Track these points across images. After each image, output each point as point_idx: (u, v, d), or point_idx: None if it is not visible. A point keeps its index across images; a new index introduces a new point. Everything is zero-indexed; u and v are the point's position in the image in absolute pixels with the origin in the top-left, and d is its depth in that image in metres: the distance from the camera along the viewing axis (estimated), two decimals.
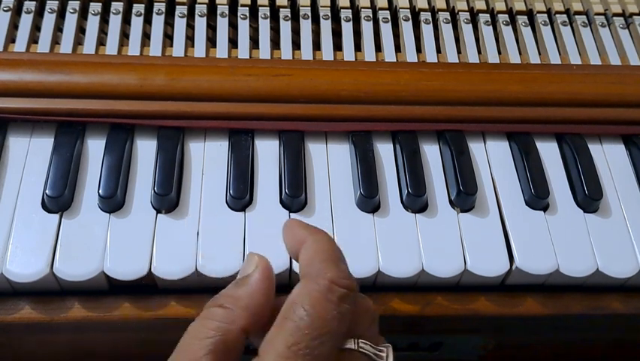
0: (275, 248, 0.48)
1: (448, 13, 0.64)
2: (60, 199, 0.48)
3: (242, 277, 0.40)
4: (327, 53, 0.60)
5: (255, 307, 0.38)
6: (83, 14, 0.61)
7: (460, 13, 0.65)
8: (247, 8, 0.62)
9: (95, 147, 0.52)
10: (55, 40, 0.59)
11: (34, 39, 0.59)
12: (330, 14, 0.63)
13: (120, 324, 0.48)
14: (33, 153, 0.52)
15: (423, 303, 0.50)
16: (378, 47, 0.62)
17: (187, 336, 0.37)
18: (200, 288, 0.48)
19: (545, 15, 0.65)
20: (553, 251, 0.50)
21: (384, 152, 0.55)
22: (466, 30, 0.63)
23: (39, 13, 0.60)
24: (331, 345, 0.35)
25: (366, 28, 0.62)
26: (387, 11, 0.64)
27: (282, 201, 0.51)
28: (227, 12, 0.62)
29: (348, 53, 0.60)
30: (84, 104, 0.52)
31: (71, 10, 0.60)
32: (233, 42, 0.61)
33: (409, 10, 0.64)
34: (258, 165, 0.53)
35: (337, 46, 0.61)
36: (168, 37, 0.61)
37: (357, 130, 0.54)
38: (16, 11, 0.60)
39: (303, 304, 0.36)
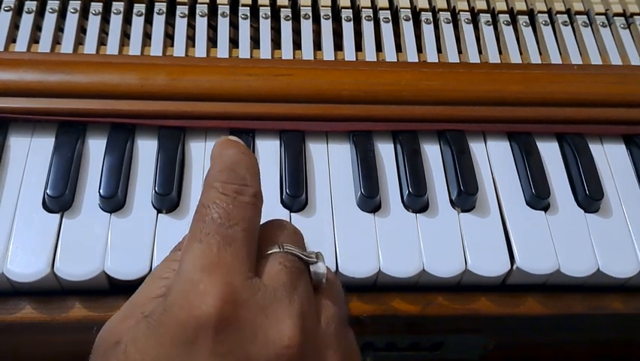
0: None
1: (448, 13, 0.64)
2: (61, 199, 0.48)
3: None
4: (327, 52, 0.60)
5: None
6: (84, 14, 0.61)
7: (460, 12, 0.65)
8: (248, 8, 0.62)
9: (95, 147, 0.52)
10: (56, 40, 0.59)
11: (35, 39, 0.59)
12: (330, 14, 0.63)
13: None
14: (34, 153, 0.52)
15: (424, 303, 0.50)
16: (379, 47, 0.62)
17: (150, 276, 0.39)
18: None
19: (546, 15, 0.65)
20: (553, 251, 0.50)
21: (385, 152, 0.55)
22: (467, 30, 0.63)
23: (40, 13, 0.60)
24: (242, 228, 0.36)
25: (367, 28, 0.62)
26: (388, 11, 0.64)
27: (282, 201, 0.51)
28: (228, 12, 0.62)
29: (349, 52, 0.60)
30: (85, 104, 0.52)
31: (72, 10, 0.60)
32: (234, 42, 0.61)
33: (409, 10, 0.64)
34: (259, 165, 0.53)
35: (338, 46, 0.61)
36: (169, 37, 0.61)
37: (358, 130, 0.54)
38: (17, 11, 0.60)
39: (204, 204, 0.38)
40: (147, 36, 0.60)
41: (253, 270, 0.36)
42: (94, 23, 0.60)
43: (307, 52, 0.60)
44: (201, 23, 0.61)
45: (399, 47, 0.62)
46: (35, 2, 0.60)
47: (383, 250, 0.49)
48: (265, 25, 0.61)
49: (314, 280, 0.39)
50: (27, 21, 0.59)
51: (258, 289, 0.35)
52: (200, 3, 0.62)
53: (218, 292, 0.33)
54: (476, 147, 0.55)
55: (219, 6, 0.62)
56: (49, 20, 0.60)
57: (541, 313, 0.51)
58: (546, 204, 0.53)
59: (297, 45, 0.61)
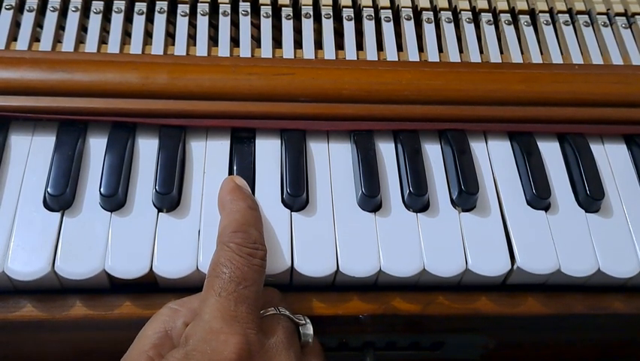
0: (275, 248, 0.48)
1: (450, 13, 0.64)
2: (61, 198, 0.48)
3: None
4: (329, 52, 0.60)
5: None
6: (85, 12, 0.61)
7: (462, 12, 0.65)
8: (248, 4, 0.62)
9: (96, 146, 0.52)
10: (57, 39, 0.59)
11: (36, 37, 0.59)
12: (332, 13, 0.63)
13: (121, 323, 0.48)
14: (35, 152, 0.52)
15: (424, 302, 0.50)
16: (380, 46, 0.61)
17: (139, 336, 0.43)
18: (201, 287, 0.48)
19: (547, 14, 0.65)
20: (554, 251, 0.50)
21: (386, 151, 0.55)
22: (468, 29, 0.63)
23: (41, 12, 0.60)
24: (254, 290, 0.42)
25: (368, 27, 0.62)
26: (389, 10, 0.64)
27: (283, 201, 0.51)
28: (229, 11, 0.62)
29: (350, 52, 0.60)
30: (86, 103, 0.52)
31: (73, 9, 0.60)
32: (235, 41, 0.61)
33: (410, 10, 0.64)
34: (260, 164, 0.53)
35: (339, 45, 0.61)
36: (170, 36, 0.61)
37: (359, 129, 0.54)
38: (19, 9, 0.60)
39: (222, 262, 0.43)
40: (148, 35, 0.60)
41: (259, 326, 0.42)
42: (95, 22, 0.60)
43: (308, 51, 0.60)
44: (202, 22, 0.61)
45: (400, 47, 0.62)
46: (36, 0, 0.60)
47: (384, 249, 0.49)
48: (266, 24, 0.61)
49: (302, 340, 0.45)
50: (28, 19, 0.59)
51: (264, 343, 0.41)
52: (202, 2, 0.62)
53: (236, 342, 0.39)
54: (477, 147, 0.55)
55: (220, 5, 0.62)
56: (51, 19, 0.60)
57: (542, 313, 0.51)
58: (547, 204, 0.53)
59: (298, 44, 0.61)
